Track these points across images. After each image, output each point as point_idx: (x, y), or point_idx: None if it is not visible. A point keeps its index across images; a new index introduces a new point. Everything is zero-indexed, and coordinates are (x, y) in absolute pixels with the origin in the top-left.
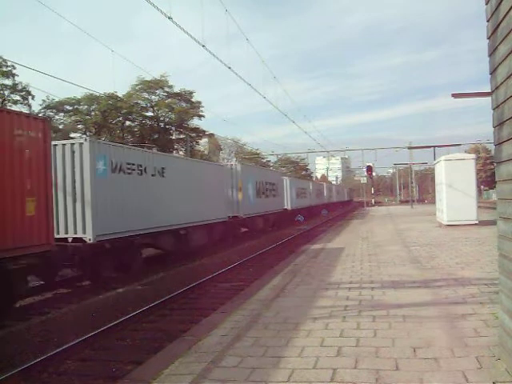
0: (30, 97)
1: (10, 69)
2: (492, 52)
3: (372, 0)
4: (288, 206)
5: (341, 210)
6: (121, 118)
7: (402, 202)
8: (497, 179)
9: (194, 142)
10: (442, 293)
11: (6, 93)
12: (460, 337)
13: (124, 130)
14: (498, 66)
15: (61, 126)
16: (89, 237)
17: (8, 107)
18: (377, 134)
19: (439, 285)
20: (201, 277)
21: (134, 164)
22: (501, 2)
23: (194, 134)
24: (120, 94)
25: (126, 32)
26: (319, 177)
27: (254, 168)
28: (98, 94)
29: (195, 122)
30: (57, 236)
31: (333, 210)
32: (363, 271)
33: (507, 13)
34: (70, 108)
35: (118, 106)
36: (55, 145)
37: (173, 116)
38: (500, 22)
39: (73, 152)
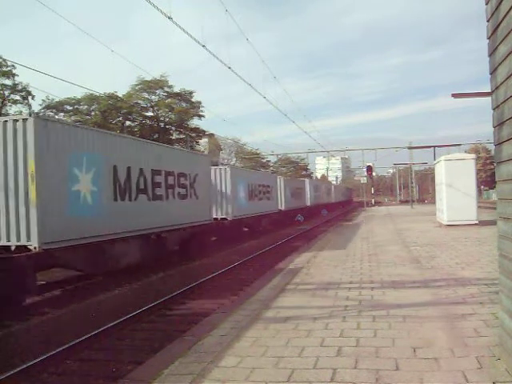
0: (29, 97)
1: (9, 69)
2: (492, 52)
3: (372, 0)
4: (229, 213)
5: (339, 211)
6: (121, 118)
7: (402, 202)
8: (497, 179)
9: (194, 142)
10: (442, 293)
11: (6, 93)
12: (460, 337)
13: (124, 130)
14: (498, 65)
15: None
16: None
17: (8, 107)
18: (377, 134)
19: (439, 285)
20: (201, 277)
21: None
22: (501, 1)
23: (194, 134)
24: (120, 94)
25: (126, 32)
26: (319, 177)
27: (116, 139)
28: (98, 94)
29: (195, 122)
30: None
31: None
32: (363, 271)
33: (507, 13)
34: (70, 108)
35: (118, 106)
36: None
37: (173, 116)
38: (500, 22)
39: None
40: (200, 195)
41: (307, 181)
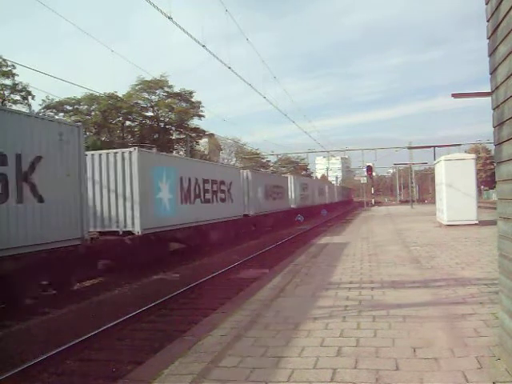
0: (29, 97)
1: (9, 69)
2: (492, 52)
3: (372, 0)
4: (136, 224)
5: (335, 213)
6: (121, 118)
7: (402, 202)
8: (497, 179)
9: (194, 142)
10: (442, 293)
11: (6, 93)
12: (460, 337)
13: (124, 130)
14: (498, 65)
15: None
16: None
17: (8, 107)
18: (377, 134)
19: (439, 285)
20: (201, 277)
21: None
22: (501, 1)
23: (194, 134)
24: (120, 94)
25: (126, 32)
26: (319, 177)
27: None
28: (97, 94)
29: (195, 122)
30: None
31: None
32: (363, 271)
33: (507, 13)
34: (70, 108)
35: (118, 106)
36: None
37: (173, 116)
38: (500, 22)
39: None
40: (48, 196)
41: (291, 178)
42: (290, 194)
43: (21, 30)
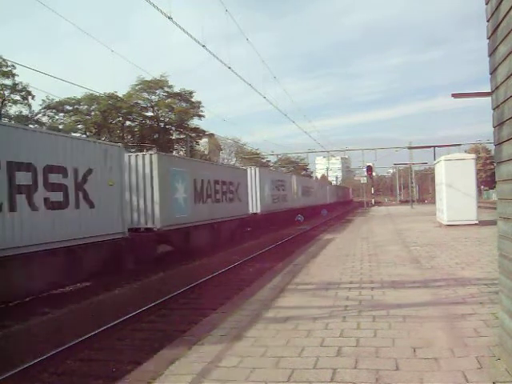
0: (29, 97)
1: (9, 69)
2: (492, 52)
3: (372, 0)
4: None
5: (336, 212)
6: (121, 118)
7: (402, 202)
8: (497, 179)
9: (194, 142)
10: (442, 293)
11: (6, 93)
12: (460, 337)
13: (124, 130)
14: (498, 65)
15: (61, 126)
16: None
17: (8, 107)
18: (377, 134)
19: (439, 285)
20: (201, 277)
21: None
22: (501, 1)
23: (193, 134)
24: (120, 94)
25: (126, 32)
26: (319, 177)
27: None
28: (98, 94)
29: (195, 122)
30: None
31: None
32: (363, 271)
33: (507, 13)
34: (70, 108)
35: (118, 106)
36: None
37: (173, 116)
38: (500, 22)
39: None
40: None
41: (254, 171)
42: (252, 193)
43: (21, 29)
